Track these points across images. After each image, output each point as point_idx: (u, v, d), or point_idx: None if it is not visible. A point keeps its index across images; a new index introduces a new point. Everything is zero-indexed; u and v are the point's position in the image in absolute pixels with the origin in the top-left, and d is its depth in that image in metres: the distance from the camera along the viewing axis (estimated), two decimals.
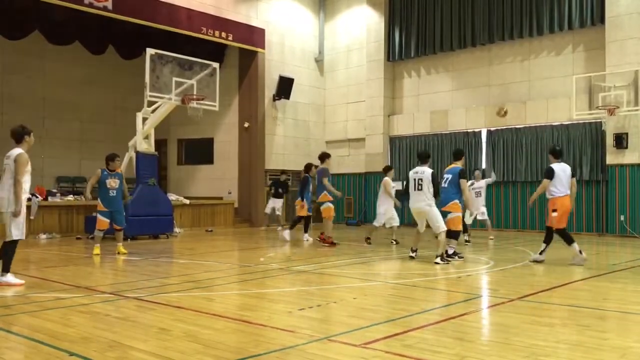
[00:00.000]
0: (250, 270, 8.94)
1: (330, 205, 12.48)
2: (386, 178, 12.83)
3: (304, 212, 13.28)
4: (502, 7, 17.84)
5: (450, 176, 9.89)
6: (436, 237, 9.55)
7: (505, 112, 17.57)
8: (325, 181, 12.47)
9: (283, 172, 18.70)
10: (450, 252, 9.84)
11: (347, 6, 21.65)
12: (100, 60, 19.21)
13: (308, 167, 13.69)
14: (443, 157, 19.10)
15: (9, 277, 7.14)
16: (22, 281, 7.24)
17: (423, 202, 9.53)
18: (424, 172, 9.58)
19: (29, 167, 7.20)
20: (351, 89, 21.48)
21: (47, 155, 18.82)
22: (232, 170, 19.89)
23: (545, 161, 16.83)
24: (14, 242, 7.19)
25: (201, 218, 17.82)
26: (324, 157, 12.92)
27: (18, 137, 7.27)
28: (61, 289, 7.02)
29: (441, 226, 9.49)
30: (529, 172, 17.24)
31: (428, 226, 9.78)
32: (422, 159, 9.86)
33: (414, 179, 9.61)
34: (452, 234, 9.86)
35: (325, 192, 12.44)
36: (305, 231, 13.40)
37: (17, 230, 7.14)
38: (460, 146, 18.65)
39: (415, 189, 9.58)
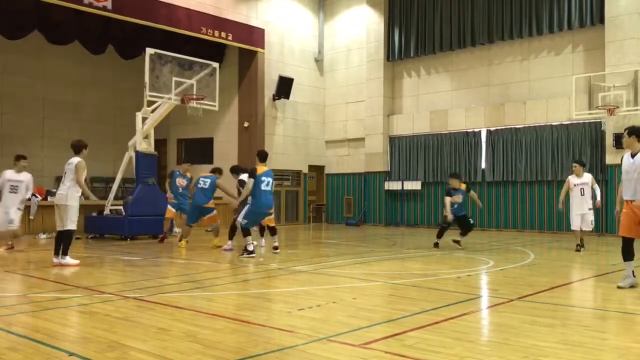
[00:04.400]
0: (250, 270, 8.94)
1: None
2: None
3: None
4: (502, 7, 17.84)
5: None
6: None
7: None
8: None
9: None
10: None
11: (346, 6, 21.66)
12: (100, 60, 19.21)
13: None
14: (443, 157, 19.10)
15: (68, 259, 8.97)
16: (78, 261, 9.03)
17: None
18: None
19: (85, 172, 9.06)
20: (351, 88, 21.48)
21: (47, 155, 18.81)
22: None
23: (545, 161, 16.88)
24: (71, 231, 9.05)
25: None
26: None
27: (76, 149, 9.10)
28: (61, 289, 7.02)
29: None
30: (529, 172, 17.23)
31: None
32: (235, 171, 11.76)
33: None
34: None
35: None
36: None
37: (72, 223, 9.04)
38: (460, 146, 18.68)
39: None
